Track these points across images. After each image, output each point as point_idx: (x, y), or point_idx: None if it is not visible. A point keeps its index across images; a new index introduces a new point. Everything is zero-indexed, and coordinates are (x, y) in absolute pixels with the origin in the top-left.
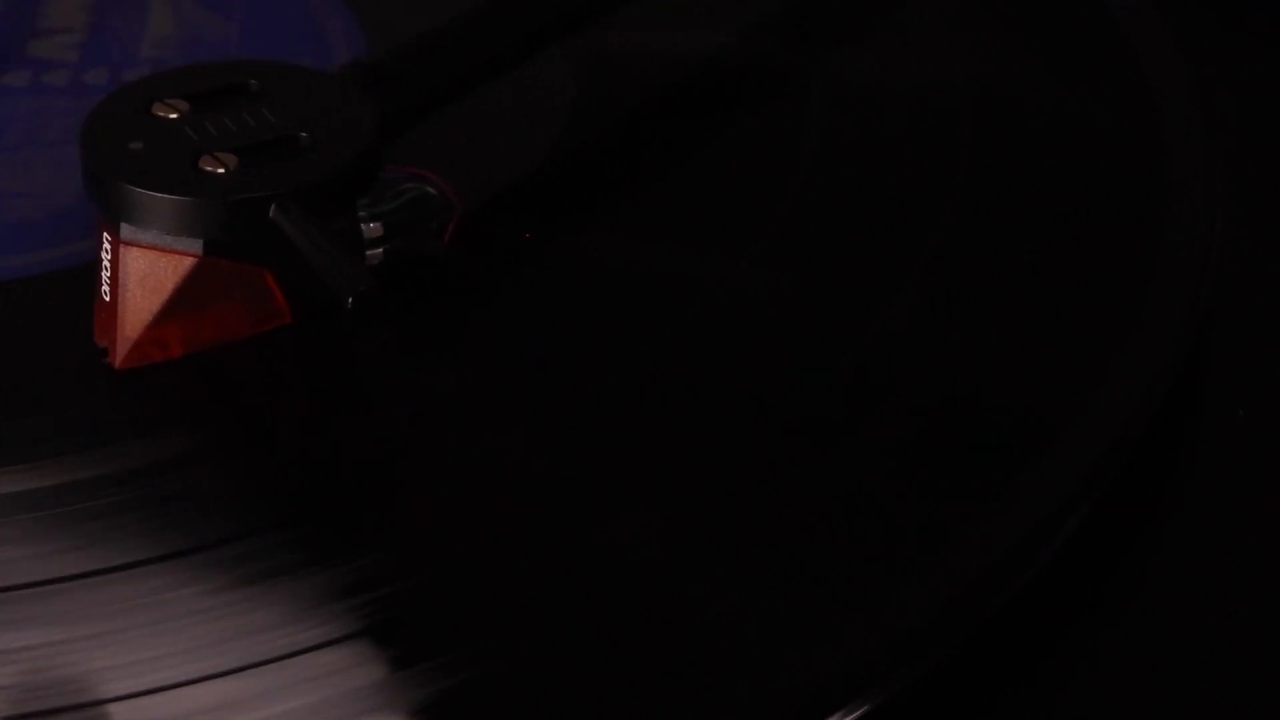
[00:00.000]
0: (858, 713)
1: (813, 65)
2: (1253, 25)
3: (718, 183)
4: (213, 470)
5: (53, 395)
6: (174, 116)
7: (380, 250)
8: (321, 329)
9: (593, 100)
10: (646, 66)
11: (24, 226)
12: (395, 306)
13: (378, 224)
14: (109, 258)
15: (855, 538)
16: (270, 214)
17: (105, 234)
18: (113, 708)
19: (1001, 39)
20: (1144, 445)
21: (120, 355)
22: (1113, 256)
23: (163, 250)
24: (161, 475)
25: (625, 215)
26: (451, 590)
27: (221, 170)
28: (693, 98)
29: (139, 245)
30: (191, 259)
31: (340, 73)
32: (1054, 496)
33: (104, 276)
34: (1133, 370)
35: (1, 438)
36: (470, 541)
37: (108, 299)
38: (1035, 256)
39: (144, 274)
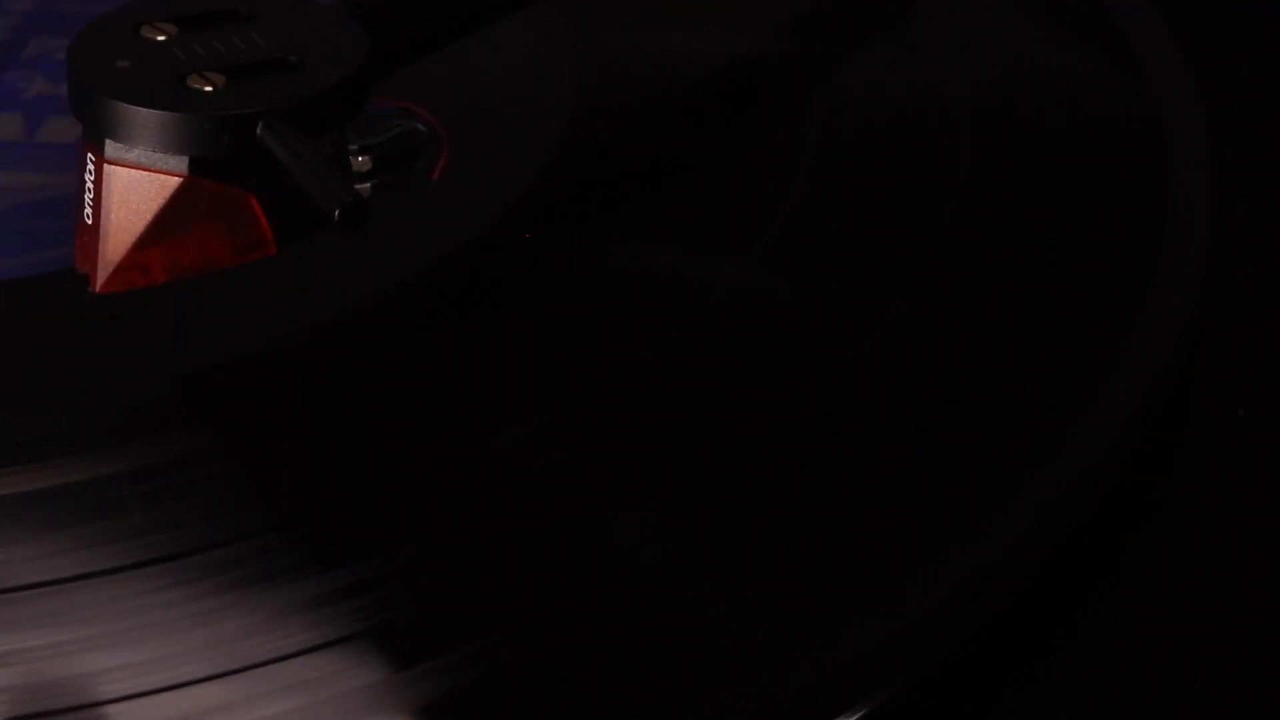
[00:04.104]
0: (858, 713)
1: (813, 65)
2: (1253, 26)
3: (718, 183)
4: (210, 472)
5: (52, 395)
6: (162, 38)
7: (369, 184)
8: (320, 329)
9: (593, 100)
10: (647, 67)
11: (23, 227)
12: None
13: (366, 157)
14: (92, 179)
15: (855, 538)
16: (257, 131)
17: (89, 154)
18: (110, 709)
19: (1002, 39)
20: (1144, 445)
21: (101, 279)
22: (1113, 256)
23: (147, 169)
24: (160, 476)
25: (625, 215)
26: (449, 592)
27: (209, 88)
28: (693, 98)
29: (123, 164)
30: (176, 178)
31: (331, 2)
32: (1054, 496)
33: (86, 199)
34: (1132, 370)
35: (1, 438)
36: (468, 543)
37: (89, 222)
38: (1035, 256)
39: (127, 193)
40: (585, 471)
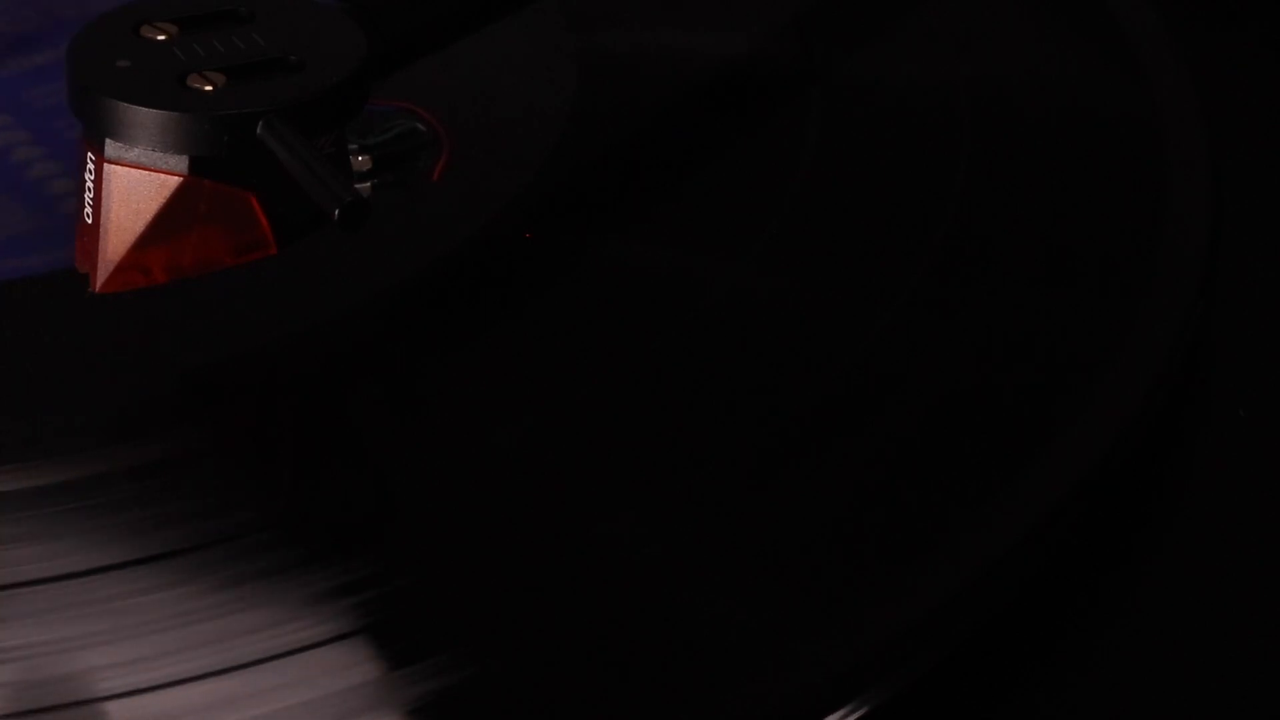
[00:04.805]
0: (858, 713)
1: (813, 65)
2: (1253, 25)
3: (718, 183)
4: (209, 470)
5: (53, 395)
6: (162, 38)
7: (369, 184)
8: (320, 329)
9: (593, 100)
10: (648, 67)
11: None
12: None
13: (366, 157)
14: (92, 178)
15: (854, 537)
16: (257, 131)
17: (89, 153)
18: (109, 705)
19: (1001, 39)
20: (1144, 446)
21: (101, 279)
22: (1113, 256)
23: (147, 169)
24: (159, 475)
25: (625, 215)
26: (447, 590)
27: (209, 88)
28: (693, 98)
29: (123, 164)
30: (176, 178)
31: (331, 3)
32: (1054, 496)
33: (86, 198)
34: (1133, 370)
35: (2, 438)
36: (467, 541)
37: (89, 221)
38: (1035, 256)
39: (127, 193)
40: (584, 470)
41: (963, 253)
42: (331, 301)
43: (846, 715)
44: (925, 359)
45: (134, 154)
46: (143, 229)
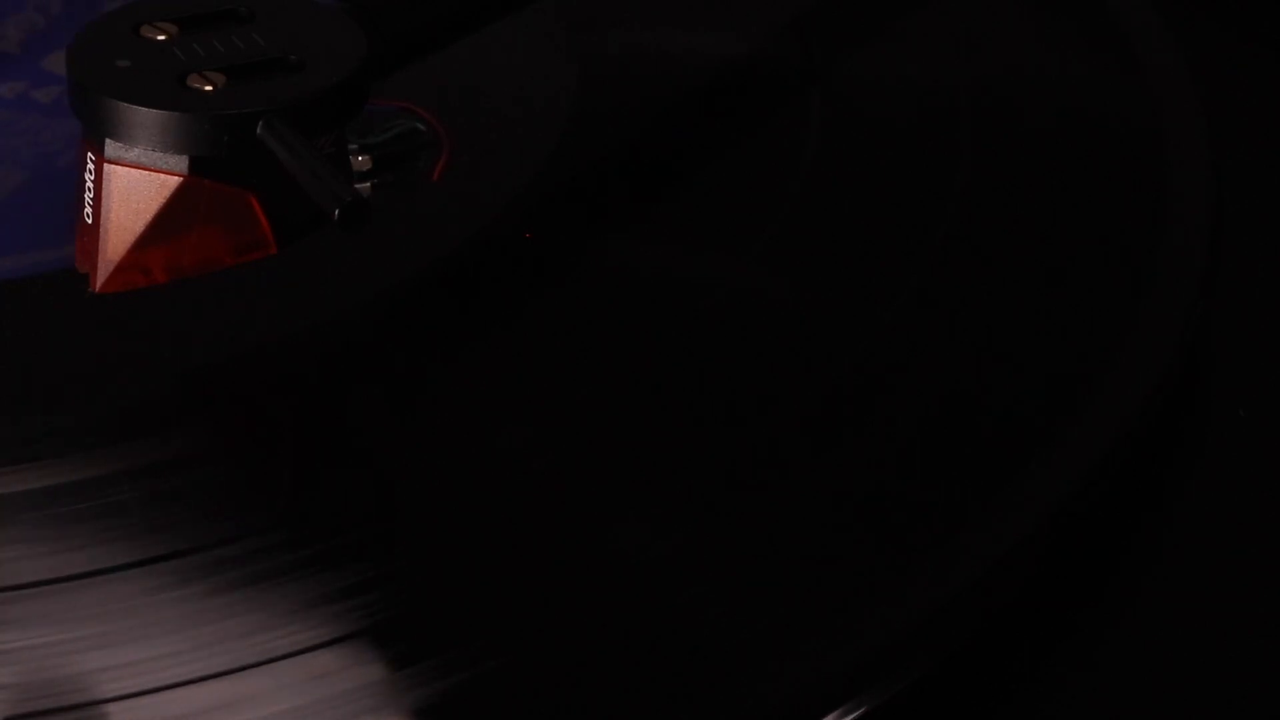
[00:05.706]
0: (857, 713)
1: (813, 65)
2: (1253, 26)
3: (718, 183)
4: (211, 470)
5: (53, 395)
6: (162, 38)
7: (369, 184)
8: (320, 329)
9: (593, 100)
10: (647, 67)
11: (21, 226)
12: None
13: (366, 157)
14: (92, 178)
15: (854, 538)
16: (257, 131)
17: (89, 154)
18: (111, 708)
19: (1001, 39)
20: (1145, 445)
21: (101, 279)
22: (1113, 257)
23: (147, 169)
24: (161, 475)
25: (625, 215)
26: (449, 591)
27: (209, 88)
28: (693, 98)
29: (123, 164)
30: (176, 178)
31: (331, 3)
32: (1054, 497)
33: (86, 198)
34: (1133, 370)
35: (2, 438)
36: (469, 542)
37: (90, 221)
38: (1035, 256)
39: (127, 193)
40: (585, 471)
41: (963, 253)
42: (331, 301)
43: (845, 715)
44: (925, 359)
45: (134, 154)
46: (143, 229)
